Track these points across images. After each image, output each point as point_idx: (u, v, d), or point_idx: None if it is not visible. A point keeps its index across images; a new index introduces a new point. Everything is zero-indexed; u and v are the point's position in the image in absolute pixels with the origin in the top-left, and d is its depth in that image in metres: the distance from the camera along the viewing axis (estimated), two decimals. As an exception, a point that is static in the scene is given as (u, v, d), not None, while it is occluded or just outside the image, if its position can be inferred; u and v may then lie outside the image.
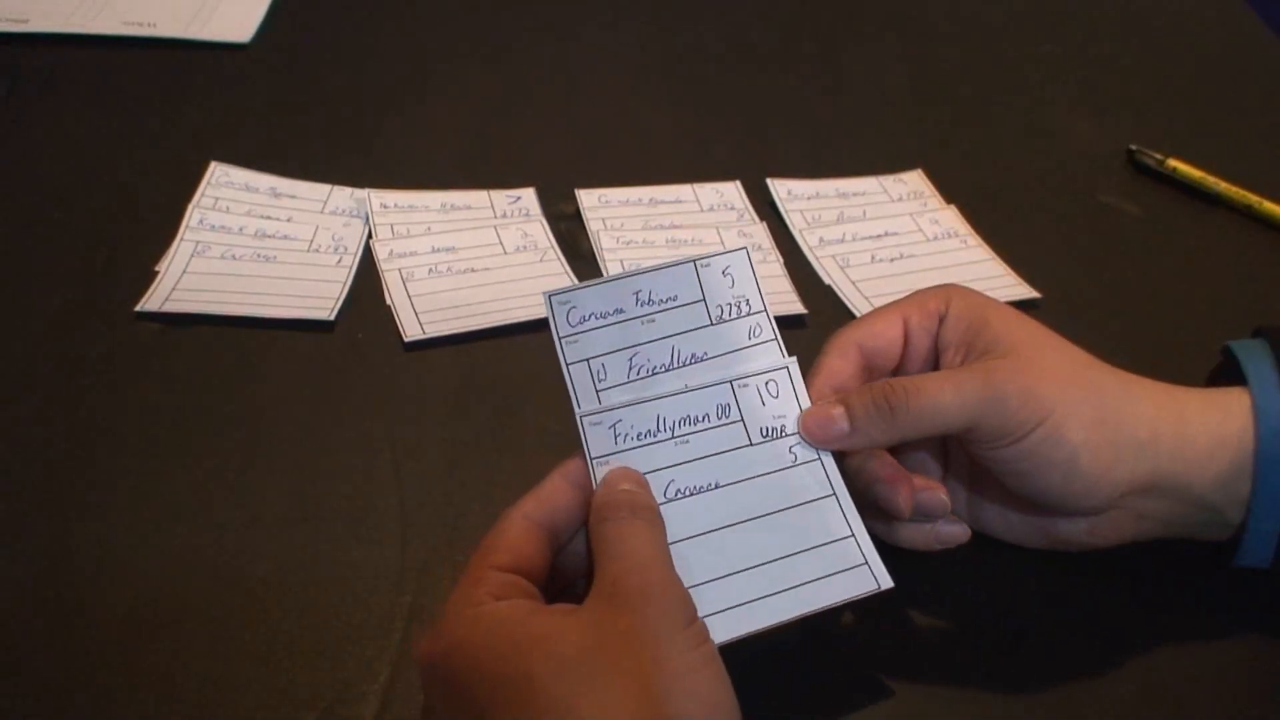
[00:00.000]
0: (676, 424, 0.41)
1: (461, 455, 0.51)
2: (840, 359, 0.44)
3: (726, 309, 0.43)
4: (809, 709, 0.41)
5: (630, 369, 0.41)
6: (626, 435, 0.41)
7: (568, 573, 0.40)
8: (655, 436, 0.41)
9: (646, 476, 0.40)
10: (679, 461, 0.41)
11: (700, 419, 0.42)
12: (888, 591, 0.40)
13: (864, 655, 0.43)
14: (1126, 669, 0.43)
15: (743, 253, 0.43)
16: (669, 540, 0.39)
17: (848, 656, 0.43)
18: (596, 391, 0.41)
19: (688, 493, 0.41)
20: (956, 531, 0.43)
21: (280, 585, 0.45)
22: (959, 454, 0.45)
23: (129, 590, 0.44)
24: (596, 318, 0.41)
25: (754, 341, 0.43)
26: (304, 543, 0.47)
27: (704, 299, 0.42)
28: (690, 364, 0.42)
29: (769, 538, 0.40)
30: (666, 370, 0.42)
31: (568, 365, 0.41)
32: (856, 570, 0.41)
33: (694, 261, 0.42)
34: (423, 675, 0.36)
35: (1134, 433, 0.41)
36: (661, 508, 0.40)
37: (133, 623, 0.43)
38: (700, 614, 0.37)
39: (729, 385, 0.42)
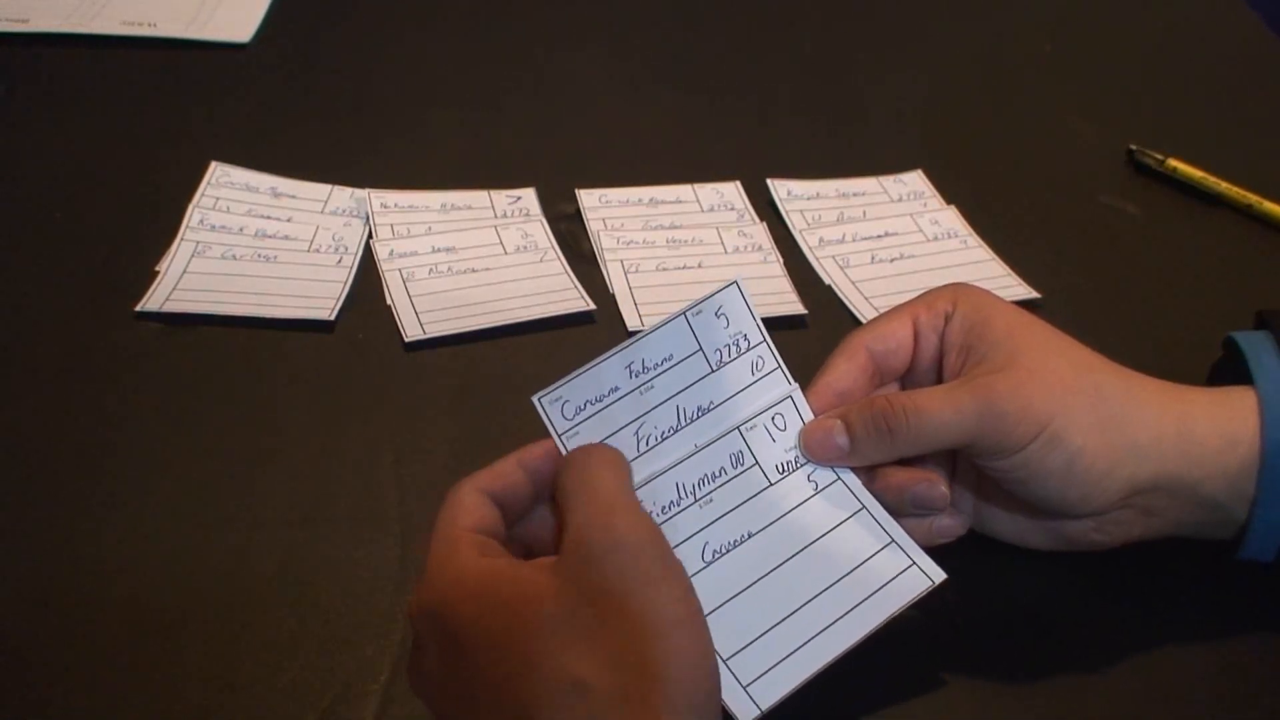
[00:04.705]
0: (696, 486, 0.40)
1: (462, 455, 0.51)
2: (847, 361, 0.44)
3: (726, 350, 0.41)
4: (807, 707, 0.41)
5: (639, 442, 0.40)
6: (651, 513, 0.39)
7: (535, 546, 0.39)
8: (680, 505, 0.40)
9: (680, 546, 0.39)
10: (708, 523, 0.40)
11: (718, 474, 0.41)
12: (943, 585, 0.40)
13: (862, 652, 0.43)
14: (1127, 667, 0.43)
15: (734, 288, 0.41)
16: (714, 605, 0.38)
17: (843, 654, 0.43)
18: None
19: (723, 551, 0.40)
20: (953, 524, 0.43)
21: (281, 585, 0.45)
22: (966, 459, 0.45)
23: (130, 590, 0.44)
24: (592, 404, 0.39)
25: (758, 376, 0.42)
26: (305, 543, 0.47)
27: (701, 349, 0.41)
28: (698, 418, 0.41)
29: (811, 573, 0.40)
30: (676, 432, 0.41)
31: None
32: (906, 574, 0.41)
33: (685, 314, 0.40)
34: (415, 630, 0.36)
35: (1135, 436, 0.41)
36: (701, 574, 0.39)
37: (134, 623, 0.43)
38: (760, 670, 0.37)
39: (738, 433, 0.42)
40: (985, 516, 0.45)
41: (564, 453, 0.39)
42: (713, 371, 0.41)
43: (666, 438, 0.40)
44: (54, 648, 0.42)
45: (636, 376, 0.40)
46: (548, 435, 0.39)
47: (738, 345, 0.42)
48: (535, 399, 0.38)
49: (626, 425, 0.40)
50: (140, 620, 0.43)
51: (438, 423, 0.53)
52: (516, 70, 0.79)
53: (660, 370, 0.40)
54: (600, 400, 0.39)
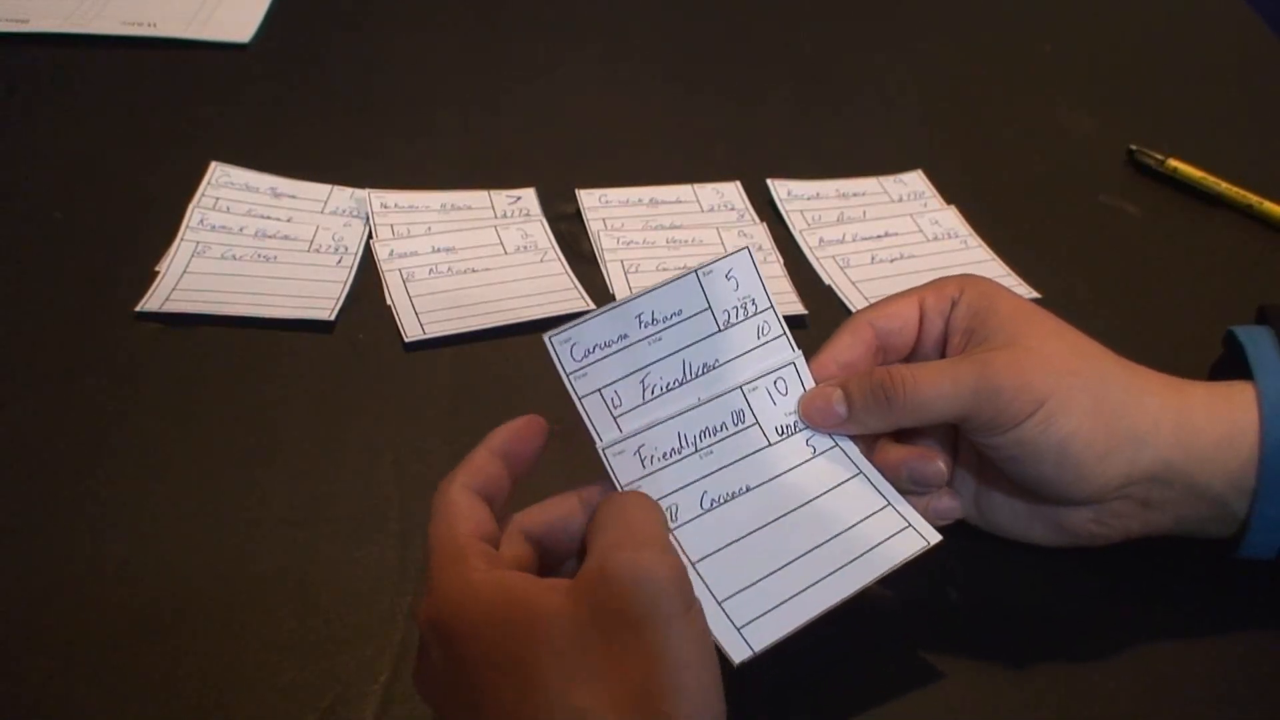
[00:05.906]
0: (697, 437, 0.42)
1: (461, 455, 0.50)
2: (851, 336, 0.45)
3: (734, 312, 0.43)
4: (807, 706, 0.41)
5: (644, 390, 0.41)
6: (651, 457, 0.41)
7: (552, 556, 0.39)
8: (680, 454, 0.41)
9: (679, 491, 0.41)
10: (707, 473, 0.41)
11: (719, 429, 0.42)
12: (938, 546, 0.41)
13: (861, 650, 0.43)
14: (1127, 665, 0.43)
15: (745, 253, 0.43)
16: (712, 549, 0.39)
17: (845, 652, 0.43)
18: (614, 419, 0.41)
19: (721, 500, 0.41)
20: (952, 505, 0.43)
21: (281, 585, 0.45)
22: (969, 446, 0.45)
23: (129, 590, 0.44)
24: (601, 348, 0.40)
25: (763, 340, 0.43)
26: (305, 543, 0.47)
27: (709, 307, 0.42)
28: (703, 374, 0.42)
29: (808, 528, 0.41)
30: (680, 385, 0.42)
31: (580, 399, 0.40)
32: (901, 534, 0.41)
33: (696, 272, 0.42)
34: (422, 636, 0.36)
35: (1133, 423, 0.41)
36: (699, 519, 0.40)
37: (133, 623, 0.43)
38: (755, 614, 0.38)
39: (739, 391, 0.43)
40: (986, 508, 0.45)
41: (571, 391, 0.40)
42: (719, 331, 0.42)
43: (671, 389, 0.42)
44: (54, 648, 0.42)
45: (646, 327, 0.41)
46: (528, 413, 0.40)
47: (745, 309, 0.43)
48: (546, 337, 0.39)
49: (633, 372, 0.41)
50: (139, 620, 0.43)
51: (437, 423, 0.53)
52: (516, 70, 0.79)
53: (669, 324, 0.41)
54: (609, 345, 0.40)
